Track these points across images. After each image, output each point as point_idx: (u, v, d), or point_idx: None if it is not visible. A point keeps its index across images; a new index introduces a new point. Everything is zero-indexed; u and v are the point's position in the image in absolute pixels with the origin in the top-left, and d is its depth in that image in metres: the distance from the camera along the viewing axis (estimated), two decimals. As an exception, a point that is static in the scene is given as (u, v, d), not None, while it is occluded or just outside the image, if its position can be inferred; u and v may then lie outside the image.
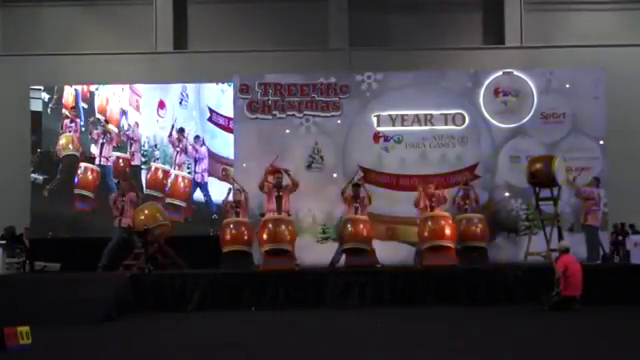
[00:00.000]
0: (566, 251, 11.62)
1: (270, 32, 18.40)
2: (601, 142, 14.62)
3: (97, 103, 16.27)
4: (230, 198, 13.88)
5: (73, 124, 16.19)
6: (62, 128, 16.20)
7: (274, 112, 14.73)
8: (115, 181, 15.11)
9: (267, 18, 18.44)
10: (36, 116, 16.30)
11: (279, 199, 13.36)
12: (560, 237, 13.34)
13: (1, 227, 15.56)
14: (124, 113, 16.15)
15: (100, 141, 16.00)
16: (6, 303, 10.82)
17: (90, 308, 11.11)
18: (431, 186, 13.80)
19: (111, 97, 16.21)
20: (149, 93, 16.26)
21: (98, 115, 16.11)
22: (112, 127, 16.07)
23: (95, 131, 16.06)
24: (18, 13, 18.58)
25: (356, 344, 8.97)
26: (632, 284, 12.17)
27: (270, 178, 13.55)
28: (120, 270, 13.33)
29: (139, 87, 16.36)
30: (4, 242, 13.98)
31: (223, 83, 15.94)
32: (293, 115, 14.73)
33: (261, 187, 13.54)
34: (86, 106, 16.26)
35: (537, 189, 13.91)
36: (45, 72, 17.43)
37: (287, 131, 14.70)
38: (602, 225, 13.99)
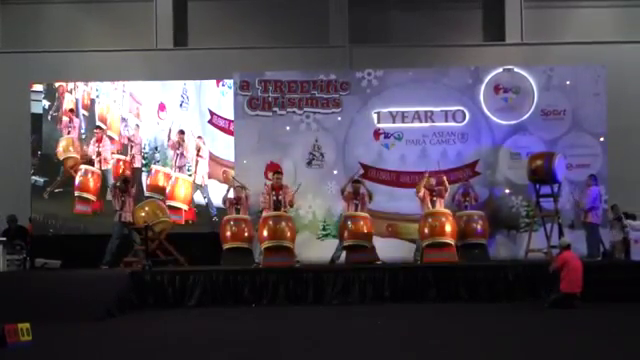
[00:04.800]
0: (567, 248, 11.63)
1: (270, 29, 18.34)
2: (601, 139, 14.60)
3: (97, 111, 16.22)
4: (230, 195, 13.90)
5: (72, 124, 16.13)
6: (61, 129, 16.13)
7: (274, 109, 14.72)
8: (117, 183, 15.04)
9: (267, 15, 18.39)
10: (36, 118, 16.26)
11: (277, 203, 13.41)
12: (560, 234, 13.36)
13: (1, 229, 15.63)
14: (124, 120, 16.11)
15: (100, 144, 15.96)
16: (7, 300, 10.84)
17: (91, 305, 11.12)
18: (432, 179, 13.79)
19: (112, 105, 16.18)
20: (149, 95, 16.18)
21: (98, 123, 16.09)
22: (112, 133, 16.05)
23: (95, 132, 16.01)
24: (18, 10, 18.54)
25: (356, 341, 8.97)
26: (633, 281, 12.18)
27: (270, 175, 13.69)
28: (120, 267, 13.34)
29: (139, 88, 16.27)
30: (4, 239, 13.97)
31: (224, 85, 15.85)
32: (293, 112, 14.72)
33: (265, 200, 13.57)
34: (87, 113, 16.23)
35: (537, 186, 13.92)
36: (45, 69, 17.35)
37: (287, 128, 14.69)
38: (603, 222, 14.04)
